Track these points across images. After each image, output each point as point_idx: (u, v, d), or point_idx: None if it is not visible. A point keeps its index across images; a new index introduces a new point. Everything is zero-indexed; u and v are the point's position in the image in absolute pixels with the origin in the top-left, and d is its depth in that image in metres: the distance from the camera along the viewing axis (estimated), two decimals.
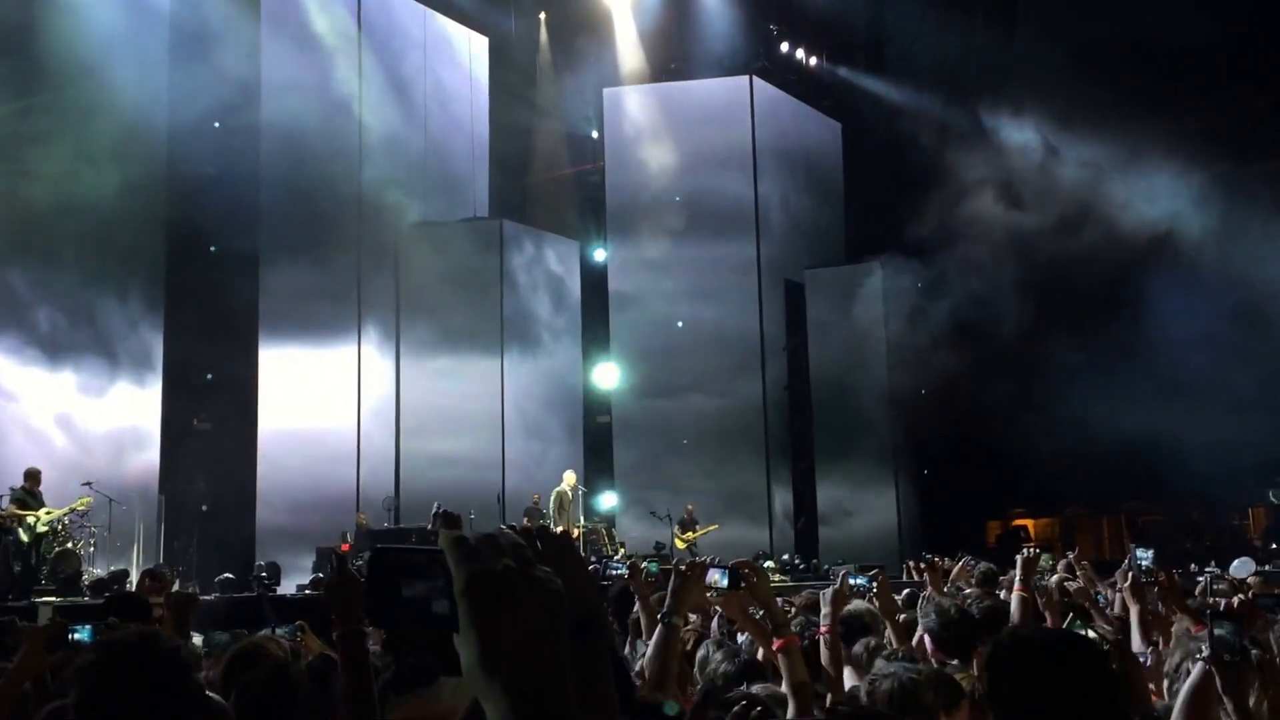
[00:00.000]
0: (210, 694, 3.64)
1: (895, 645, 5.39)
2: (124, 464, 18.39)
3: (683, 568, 4.34)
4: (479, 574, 1.28)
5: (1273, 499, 25.28)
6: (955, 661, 5.02)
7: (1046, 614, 6.35)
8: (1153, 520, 26.38)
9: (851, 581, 7.80)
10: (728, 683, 4.59)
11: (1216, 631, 3.52)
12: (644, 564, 6.89)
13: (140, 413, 19.31)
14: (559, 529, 20.13)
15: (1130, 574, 6.36)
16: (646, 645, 4.84)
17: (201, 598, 12.31)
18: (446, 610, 1.30)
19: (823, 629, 4.73)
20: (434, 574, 1.31)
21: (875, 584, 6.20)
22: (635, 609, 6.82)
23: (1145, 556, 11.49)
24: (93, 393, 18.80)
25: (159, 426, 19.48)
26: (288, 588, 17.97)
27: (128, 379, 19.23)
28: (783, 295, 26.87)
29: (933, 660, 5.05)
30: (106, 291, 18.98)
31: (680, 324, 25.98)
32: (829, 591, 4.84)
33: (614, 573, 13.06)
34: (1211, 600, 6.78)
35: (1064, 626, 5.25)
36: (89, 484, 16.96)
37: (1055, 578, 8.12)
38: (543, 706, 1.27)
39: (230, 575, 17.54)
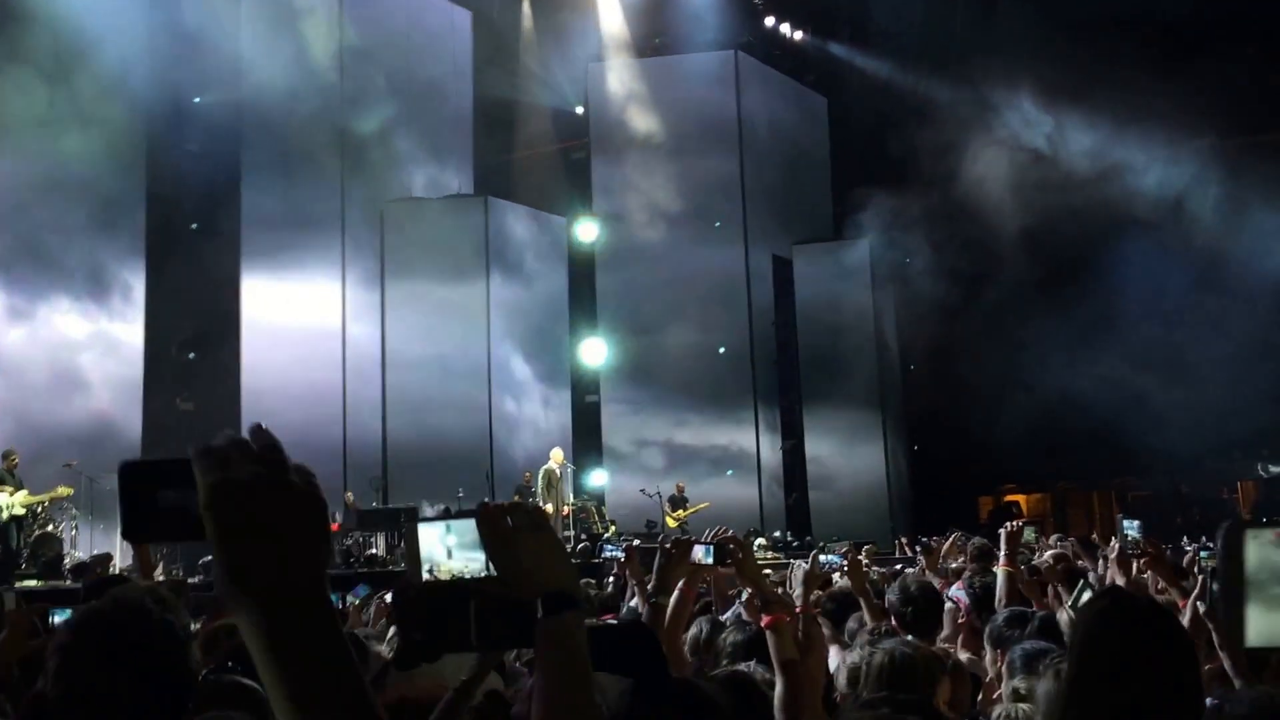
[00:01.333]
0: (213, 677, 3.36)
1: (871, 621, 5.45)
2: (106, 444, 18.15)
3: (668, 545, 4.26)
4: (223, 483, 1.22)
5: (1261, 473, 25.42)
6: (910, 638, 4.98)
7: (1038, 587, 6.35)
8: (1142, 495, 26.43)
9: (823, 560, 7.76)
10: (736, 653, 4.55)
11: (1214, 590, 3.63)
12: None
13: (122, 392, 19.10)
14: (548, 506, 20.06)
15: (1117, 546, 6.42)
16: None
17: (189, 580, 12.15)
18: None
19: (798, 608, 4.49)
20: (189, 483, 1.23)
21: (845, 561, 6.20)
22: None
23: (1132, 527, 11.44)
24: (73, 371, 18.58)
25: (140, 405, 19.27)
26: None
27: (109, 358, 19.01)
28: (770, 270, 26.73)
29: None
30: (86, 265, 18.73)
31: (668, 298, 25.78)
32: (799, 570, 4.79)
33: (608, 554, 12.97)
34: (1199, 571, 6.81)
35: (1076, 596, 5.16)
36: (70, 464, 16.78)
37: (1050, 553, 8.15)
38: (298, 624, 1.22)
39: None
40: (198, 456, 1.24)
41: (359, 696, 1.25)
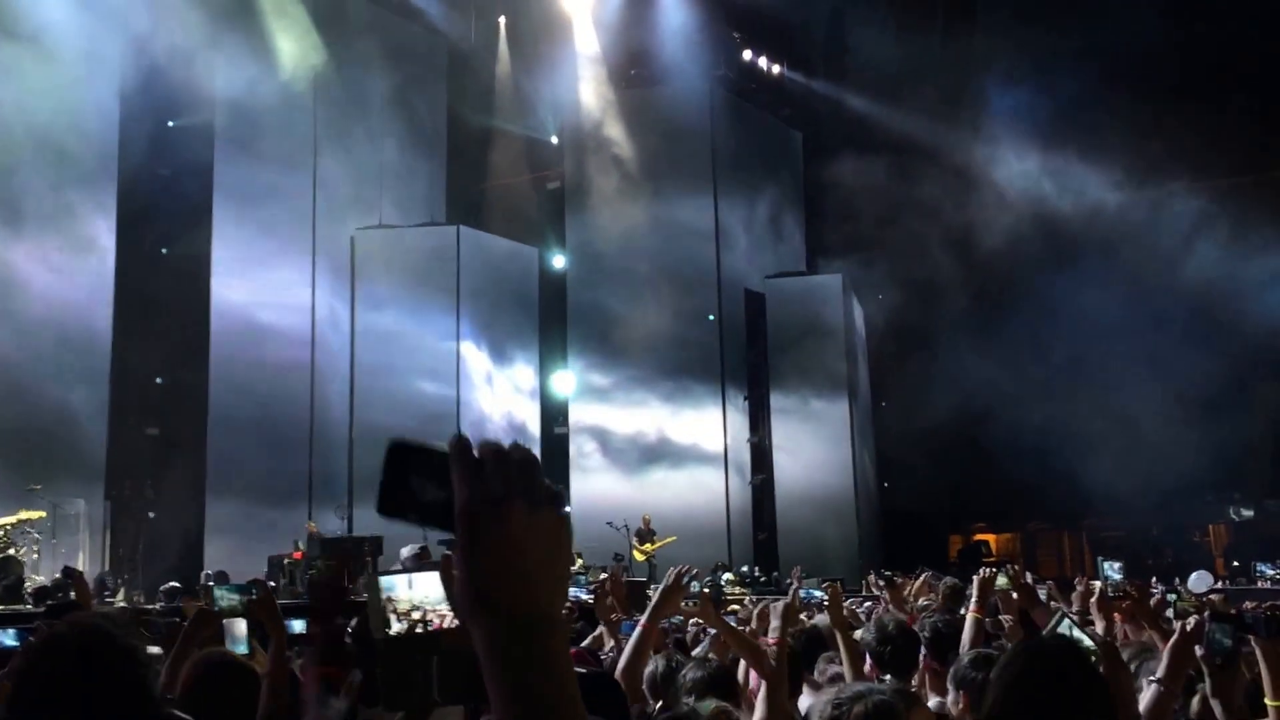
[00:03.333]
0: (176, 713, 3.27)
1: (846, 659, 5.37)
2: (71, 469, 17.96)
3: (669, 581, 4.45)
4: (478, 497, 1.23)
5: (1233, 516, 25.46)
6: (888, 678, 4.93)
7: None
8: (1113, 536, 26.47)
9: (804, 595, 7.69)
10: (696, 689, 4.50)
11: (1213, 635, 3.55)
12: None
13: (89, 416, 18.90)
14: None
15: (1096, 587, 6.33)
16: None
17: (145, 606, 12.00)
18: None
19: (771, 640, 4.59)
20: (445, 477, 1.26)
21: (828, 597, 6.16)
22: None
23: (1113, 569, 11.44)
24: (42, 395, 18.39)
25: (105, 430, 19.09)
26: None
27: (78, 380, 18.84)
28: (742, 304, 26.72)
29: (872, 677, 5.05)
30: (53, 288, 18.59)
31: (639, 331, 25.74)
32: (780, 604, 4.75)
33: (575, 597, 12.89)
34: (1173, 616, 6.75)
35: (1052, 628, 5.13)
36: (36, 488, 16.62)
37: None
38: (535, 647, 1.23)
39: (177, 584, 17.13)
40: (456, 458, 1.25)
41: None
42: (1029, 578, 9.48)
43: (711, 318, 25.82)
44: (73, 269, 18.73)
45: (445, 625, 2.69)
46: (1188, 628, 3.76)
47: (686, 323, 25.75)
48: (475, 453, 1.25)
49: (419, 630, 2.86)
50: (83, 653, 2.58)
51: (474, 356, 23.58)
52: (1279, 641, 3.65)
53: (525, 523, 1.23)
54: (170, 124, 20.11)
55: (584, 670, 3.75)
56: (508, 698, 1.24)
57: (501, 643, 1.23)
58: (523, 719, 1.24)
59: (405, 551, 17.87)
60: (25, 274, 18.19)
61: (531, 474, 1.25)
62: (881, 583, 9.65)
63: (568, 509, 1.23)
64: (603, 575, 19.07)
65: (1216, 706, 3.51)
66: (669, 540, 22.35)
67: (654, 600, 4.63)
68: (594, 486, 25.15)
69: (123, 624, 2.76)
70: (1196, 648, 3.62)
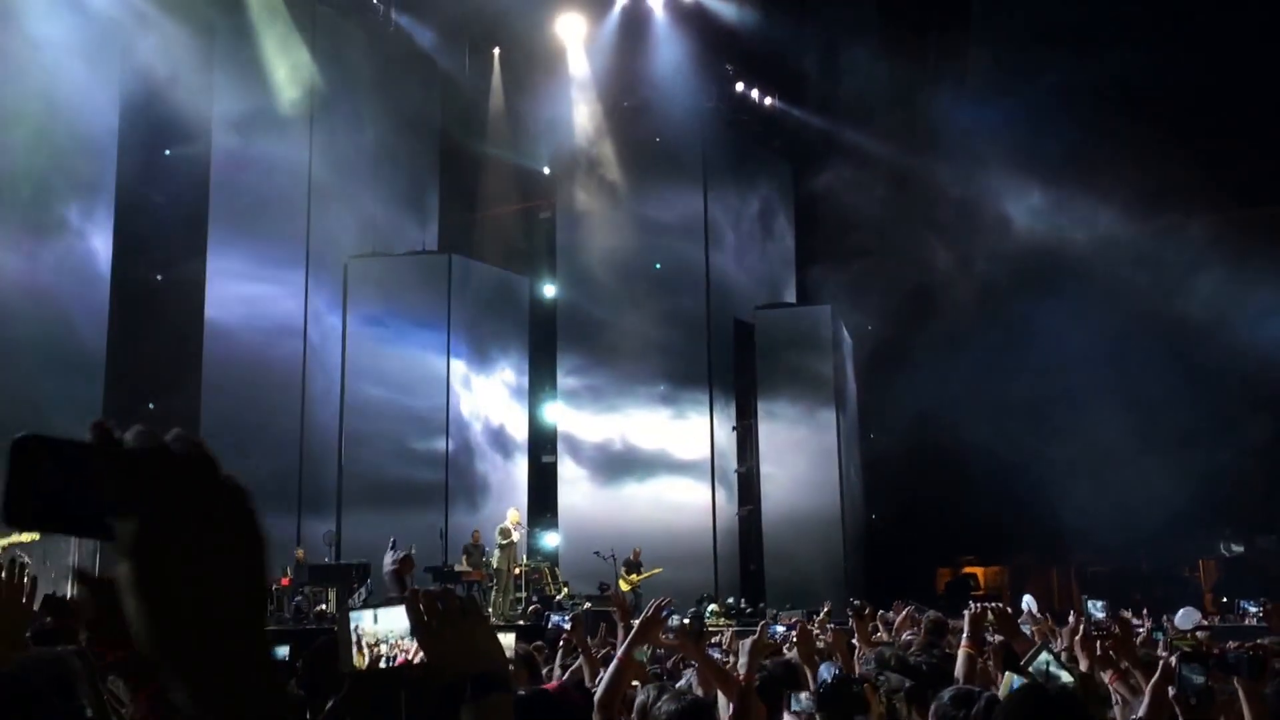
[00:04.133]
0: None
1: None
2: None
3: (649, 610, 4.45)
4: (149, 528, 1.03)
5: (1223, 551, 25.43)
6: None
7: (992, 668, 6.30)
8: (1101, 571, 26.44)
9: (771, 631, 7.74)
10: None
11: (1183, 674, 3.64)
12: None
13: (78, 436, 18.84)
14: (499, 568, 20.02)
15: (1081, 626, 6.31)
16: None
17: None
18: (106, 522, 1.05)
19: (740, 676, 4.71)
20: (88, 472, 1.06)
21: (794, 634, 6.16)
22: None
23: (1096, 607, 11.48)
24: (31, 417, 18.37)
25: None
26: None
27: (68, 402, 18.82)
28: (732, 334, 26.79)
29: None
30: (47, 314, 18.60)
31: (629, 361, 25.81)
32: (748, 641, 4.83)
33: (553, 623, 12.87)
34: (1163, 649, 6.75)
35: (1031, 658, 5.20)
36: None
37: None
38: (222, 686, 1.05)
39: None
40: (117, 463, 1.06)
41: None
42: (1034, 609, 9.51)
43: (704, 350, 25.90)
44: (68, 294, 18.76)
45: (411, 659, 2.68)
46: (1170, 664, 3.84)
47: (676, 352, 25.82)
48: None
49: (383, 665, 2.91)
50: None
51: (465, 385, 23.63)
52: (1262, 681, 3.73)
53: (206, 546, 1.05)
54: (167, 152, 20.18)
55: (527, 694, 3.79)
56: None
57: (197, 689, 1.04)
58: None
59: (387, 560, 17.98)
60: (18, 299, 18.22)
61: (210, 474, 1.11)
62: (849, 611, 9.61)
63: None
64: (587, 604, 19.16)
65: None
66: (655, 572, 22.32)
67: (632, 632, 4.66)
68: (582, 515, 25.16)
69: (77, 669, 2.63)
70: (1169, 688, 3.69)
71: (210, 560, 1.05)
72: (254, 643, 1.08)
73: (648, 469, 25.45)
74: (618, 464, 25.57)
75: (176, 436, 1.11)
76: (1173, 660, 4.03)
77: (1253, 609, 20.08)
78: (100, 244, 19.22)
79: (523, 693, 3.65)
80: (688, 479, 25.47)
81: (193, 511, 1.06)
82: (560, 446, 26.13)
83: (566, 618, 13.65)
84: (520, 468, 25.03)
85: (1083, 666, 5.87)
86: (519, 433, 25.28)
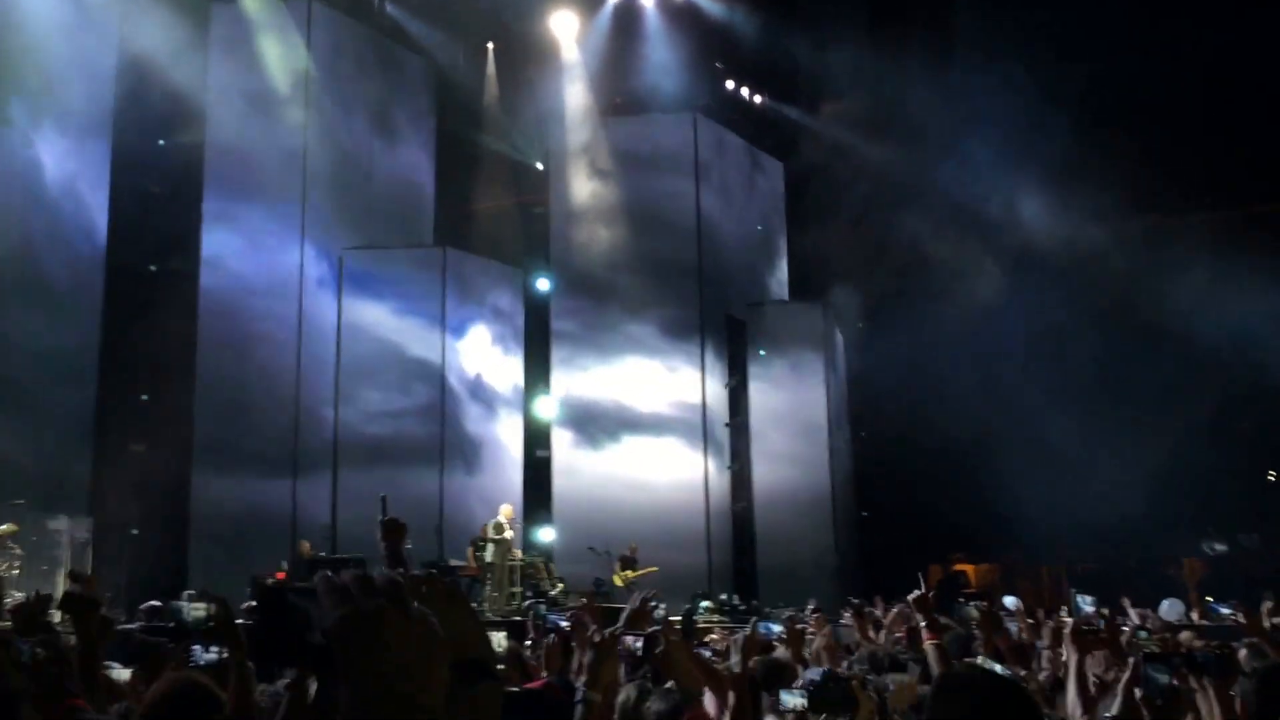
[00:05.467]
0: None
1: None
2: (53, 484, 17.96)
3: (596, 640, 4.25)
4: (349, 616, 1.31)
5: (1206, 550, 25.56)
6: None
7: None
8: (1089, 569, 26.56)
9: (763, 629, 7.82)
10: None
11: (1148, 674, 3.68)
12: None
13: (73, 430, 18.91)
14: (493, 563, 20.03)
15: (1071, 620, 6.31)
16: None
17: (121, 626, 11.99)
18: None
19: (734, 676, 4.70)
20: (314, 615, 1.33)
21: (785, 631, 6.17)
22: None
23: (1085, 602, 11.52)
24: (25, 408, 18.38)
25: (91, 446, 19.08)
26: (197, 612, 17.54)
27: (61, 396, 18.84)
28: (724, 332, 26.86)
29: None
30: (41, 304, 18.59)
31: (622, 357, 25.85)
32: (740, 638, 4.95)
33: (553, 622, 12.88)
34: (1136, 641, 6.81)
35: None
36: (20, 502, 16.61)
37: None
38: None
39: (157, 603, 17.14)
40: (324, 590, 1.34)
41: None
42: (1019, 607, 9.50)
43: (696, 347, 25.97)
44: (61, 284, 18.76)
45: None
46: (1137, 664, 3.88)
47: (668, 348, 25.87)
48: (343, 583, 1.35)
49: None
50: None
51: (459, 378, 23.67)
52: (1230, 681, 3.77)
53: (396, 631, 1.32)
54: (160, 142, 20.18)
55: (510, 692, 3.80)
56: None
57: None
58: None
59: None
60: (12, 292, 18.24)
61: (397, 590, 1.36)
62: (848, 611, 9.59)
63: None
64: (583, 600, 19.16)
65: None
66: (651, 570, 22.33)
67: (620, 623, 4.67)
68: (576, 510, 25.19)
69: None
70: (1136, 690, 3.74)
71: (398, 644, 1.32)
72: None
73: (641, 463, 25.45)
74: (612, 459, 25.57)
75: (380, 574, 1.36)
76: (1136, 661, 4.09)
77: (1224, 610, 20.15)
78: (93, 236, 19.20)
79: (508, 690, 3.61)
80: (681, 474, 25.49)
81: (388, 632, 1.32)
82: (554, 441, 26.15)
83: (565, 617, 13.68)
84: (514, 463, 25.07)
85: (1071, 662, 5.92)
86: (514, 428, 25.32)
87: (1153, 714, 3.63)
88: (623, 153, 26.56)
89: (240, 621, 4.54)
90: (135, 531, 19.75)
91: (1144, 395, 24.05)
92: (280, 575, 18.74)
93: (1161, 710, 3.63)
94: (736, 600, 23.41)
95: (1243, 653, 6.28)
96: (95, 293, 19.28)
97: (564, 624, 7.71)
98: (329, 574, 1.35)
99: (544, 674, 6.42)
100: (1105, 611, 11.74)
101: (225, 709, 3.92)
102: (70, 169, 18.67)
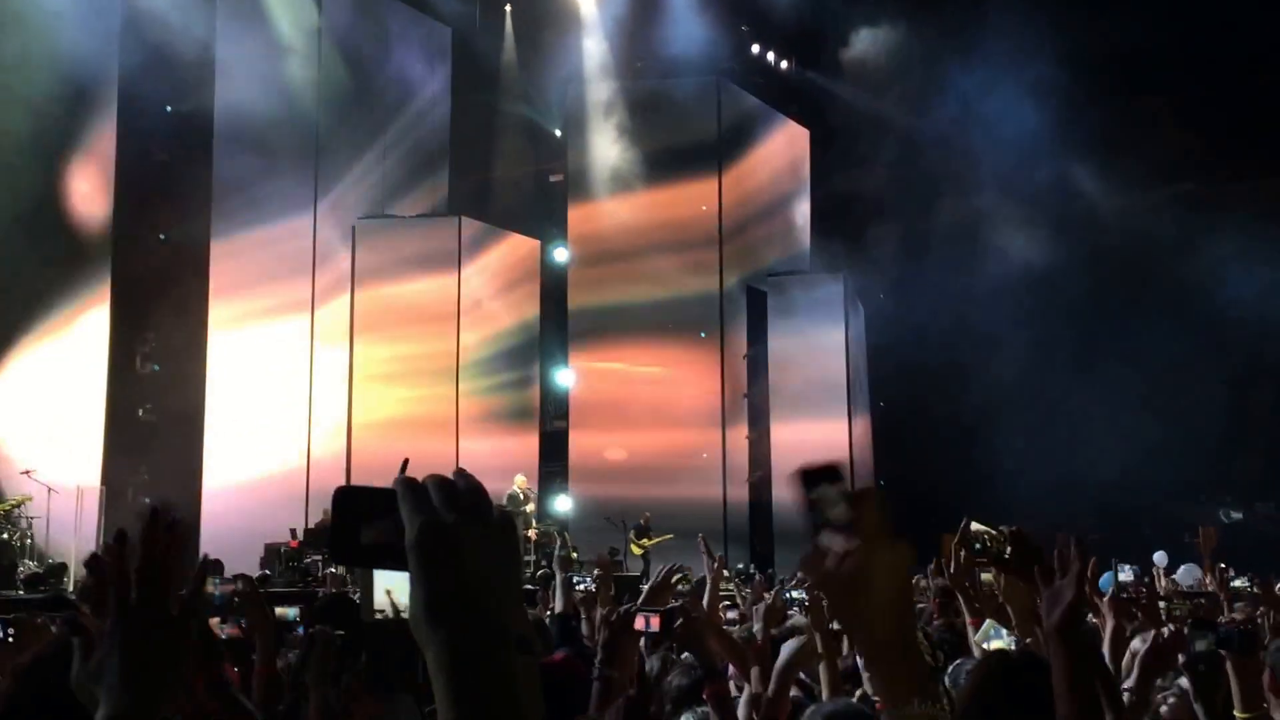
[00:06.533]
0: None
1: (825, 665, 5.11)
2: (65, 453, 17.87)
3: (611, 618, 4.15)
4: (428, 526, 1.28)
5: (1223, 518, 25.45)
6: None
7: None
8: (1103, 537, 26.41)
9: (785, 597, 7.69)
10: (680, 697, 4.52)
11: (1194, 642, 3.69)
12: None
13: (84, 400, 18.80)
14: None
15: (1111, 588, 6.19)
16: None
17: None
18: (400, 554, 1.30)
19: (755, 645, 4.61)
20: (393, 514, 1.31)
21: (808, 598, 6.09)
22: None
23: (1125, 571, 11.31)
24: (35, 378, 18.28)
25: (103, 414, 18.99)
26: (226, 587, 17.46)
27: (72, 365, 18.72)
28: (745, 301, 26.61)
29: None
30: (51, 273, 18.45)
31: (640, 326, 25.61)
32: (762, 607, 4.78)
33: (580, 587, 12.75)
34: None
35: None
36: (28, 472, 16.53)
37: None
38: (481, 664, 1.26)
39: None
40: (404, 493, 1.30)
41: None
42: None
43: (704, 334, 25.74)
44: (69, 255, 18.63)
45: None
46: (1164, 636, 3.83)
47: (688, 319, 25.63)
48: (423, 485, 1.31)
49: (403, 615, 2.81)
50: None
51: (475, 349, 23.46)
52: (1253, 657, 3.70)
53: (477, 545, 1.28)
54: (168, 109, 19.98)
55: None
56: (450, 716, 1.25)
57: (451, 661, 1.25)
58: None
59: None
60: (23, 259, 18.11)
61: (479, 499, 1.32)
62: None
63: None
64: (596, 572, 18.99)
65: (1199, 709, 3.61)
66: (666, 538, 22.23)
67: (642, 596, 4.60)
68: (592, 482, 25.05)
69: None
70: (1180, 656, 3.74)
71: (475, 558, 1.28)
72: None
73: (658, 433, 25.26)
74: (629, 429, 25.38)
75: (460, 474, 1.35)
76: (1179, 629, 4.04)
77: (1238, 583, 19.93)
78: (101, 204, 19.03)
79: None
80: (699, 442, 25.30)
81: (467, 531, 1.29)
82: (571, 411, 25.99)
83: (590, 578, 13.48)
84: (531, 432, 24.92)
85: (1107, 628, 5.70)
86: (530, 398, 25.16)
87: (1195, 681, 3.64)
88: (643, 118, 26.23)
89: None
90: (147, 500, 19.61)
91: (1164, 364, 23.99)
92: (293, 544, 18.65)
93: (1204, 676, 3.63)
94: (753, 569, 23.25)
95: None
96: (104, 259, 19.09)
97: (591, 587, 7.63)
98: (408, 477, 1.32)
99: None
100: (1146, 580, 11.60)
101: None
102: (75, 134, 18.52)
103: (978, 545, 5.01)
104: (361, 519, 1.34)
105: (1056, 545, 3.07)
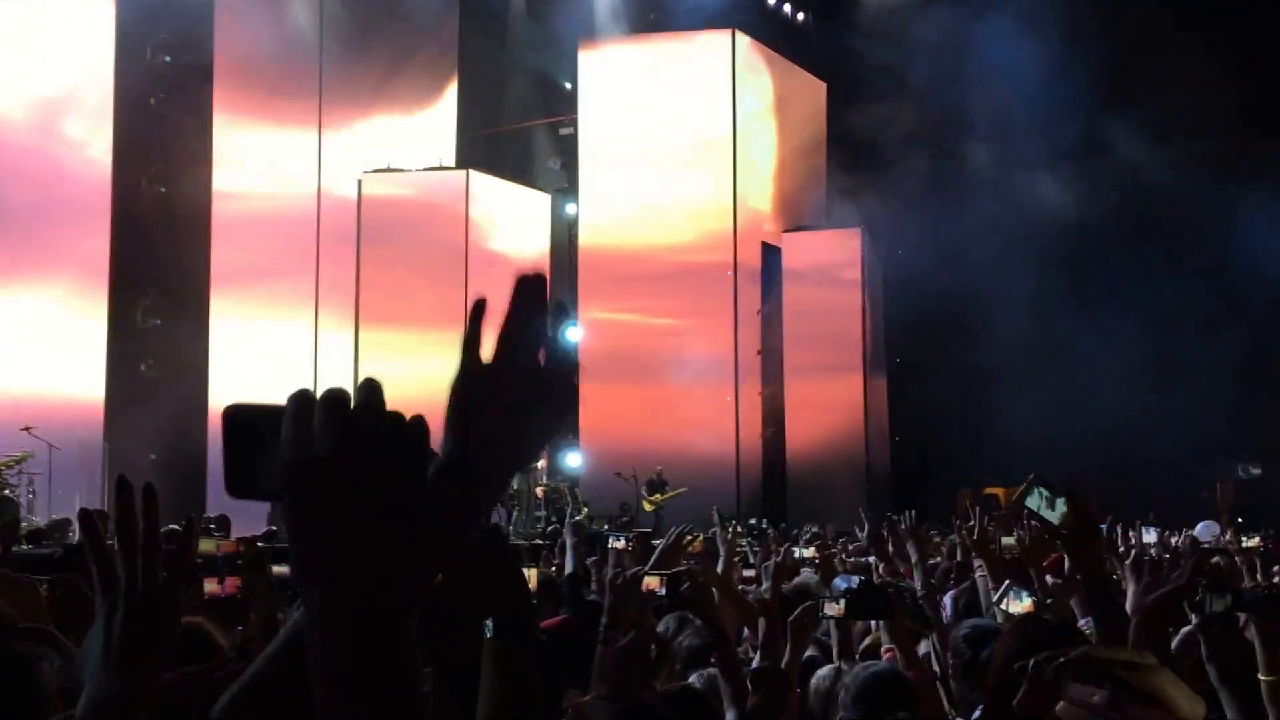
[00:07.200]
0: None
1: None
2: (67, 408, 17.72)
3: (617, 581, 4.10)
4: (292, 466, 1.08)
5: (1241, 474, 25.36)
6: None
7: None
8: (1118, 491, 26.32)
9: (796, 553, 7.58)
10: (690, 658, 4.47)
11: (1210, 604, 3.65)
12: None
13: (85, 356, 18.65)
14: (519, 489, 19.79)
15: (1134, 550, 6.15)
16: None
17: None
18: None
19: (763, 602, 4.36)
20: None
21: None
22: None
23: (1149, 532, 11.01)
24: (36, 332, 18.11)
25: (104, 370, 18.85)
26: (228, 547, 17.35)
27: (73, 320, 18.56)
28: (759, 257, 26.29)
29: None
30: (53, 222, 18.22)
31: (652, 281, 25.33)
32: (771, 563, 4.68)
33: (611, 544, 12.57)
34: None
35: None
36: (28, 429, 16.40)
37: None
38: (359, 632, 1.06)
39: (176, 527, 16.81)
40: (286, 418, 1.10)
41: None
42: None
43: (730, 272, 25.46)
44: (70, 206, 18.42)
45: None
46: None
47: (700, 274, 25.31)
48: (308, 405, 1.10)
49: None
50: None
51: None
52: (1276, 619, 3.68)
53: (364, 488, 1.07)
54: (167, 59, 19.71)
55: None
56: (323, 691, 1.06)
57: (325, 629, 1.06)
58: (340, 705, 1.06)
59: None
60: (21, 213, 17.84)
61: (370, 420, 1.10)
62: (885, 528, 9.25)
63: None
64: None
65: (1212, 670, 3.53)
66: (680, 491, 22.06)
67: (653, 558, 4.57)
68: (603, 436, 24.84)
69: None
70: (1192, 616, 3.72)
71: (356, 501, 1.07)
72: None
73: (669, 387, 25.00)
74: (640, 385, 25.11)
75: (365, 385, 1.12)
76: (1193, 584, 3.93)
77: (1247, 544, 19.70)
78: (100, 155, 18.81)
79: None
80: (711, 400, 25.02)
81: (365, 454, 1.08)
82: (581, 367, 25.71)
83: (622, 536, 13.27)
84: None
85: (1130, 591, 5.52)
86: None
87: (1209, 643, 3.55)
88: (656, 71, 25.84)
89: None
90: (153, 457, 19.49)
91: (1185, 320, 23.89)
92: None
93: (1219, 638, 3.57)
94: (766, 524, 23.08)
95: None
96: (104, 213, 18.89)
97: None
98: (299, 392, 1.12)
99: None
100: (1171, 541, 11.37)
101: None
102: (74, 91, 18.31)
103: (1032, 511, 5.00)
104: (255, 446, 1.15)
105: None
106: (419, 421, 1.14)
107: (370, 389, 1.12)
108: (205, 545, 7.23)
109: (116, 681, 1.69)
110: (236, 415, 1.18)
